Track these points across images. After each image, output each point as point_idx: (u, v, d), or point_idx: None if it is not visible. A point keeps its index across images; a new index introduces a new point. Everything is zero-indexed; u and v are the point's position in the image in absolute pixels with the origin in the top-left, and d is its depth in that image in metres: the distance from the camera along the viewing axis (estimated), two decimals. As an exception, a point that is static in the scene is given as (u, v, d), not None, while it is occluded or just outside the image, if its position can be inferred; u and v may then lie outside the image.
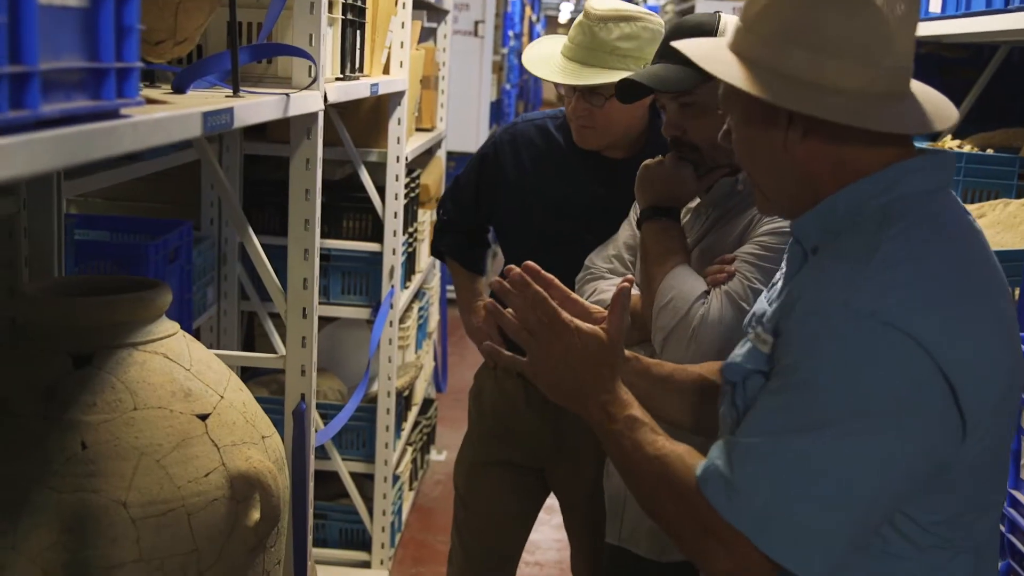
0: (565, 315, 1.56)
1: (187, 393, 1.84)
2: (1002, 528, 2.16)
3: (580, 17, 2.54)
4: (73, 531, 1.68)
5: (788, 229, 1.93)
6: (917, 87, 1.48)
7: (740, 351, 1.54)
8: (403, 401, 4.30)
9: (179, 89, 1.82)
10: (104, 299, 1.83)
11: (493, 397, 2.91)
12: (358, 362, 4.09)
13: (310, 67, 2.25)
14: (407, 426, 4.44)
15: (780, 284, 1.59)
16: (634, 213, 2.37)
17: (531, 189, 2.75)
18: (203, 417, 1.84)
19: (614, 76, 2.40)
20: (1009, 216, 2.69)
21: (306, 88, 2.22)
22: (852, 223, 1.43)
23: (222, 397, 1.90)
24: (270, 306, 3.80)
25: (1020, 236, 2.47)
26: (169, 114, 1.40)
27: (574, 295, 1.75)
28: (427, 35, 4.97)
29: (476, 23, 8.12)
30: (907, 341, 1.29)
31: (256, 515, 1.85)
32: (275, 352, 3.57)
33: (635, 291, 2.22)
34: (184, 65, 2.09)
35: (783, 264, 1.62)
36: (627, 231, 2.36)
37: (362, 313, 3.86)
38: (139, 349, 1.84)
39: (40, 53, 1.02)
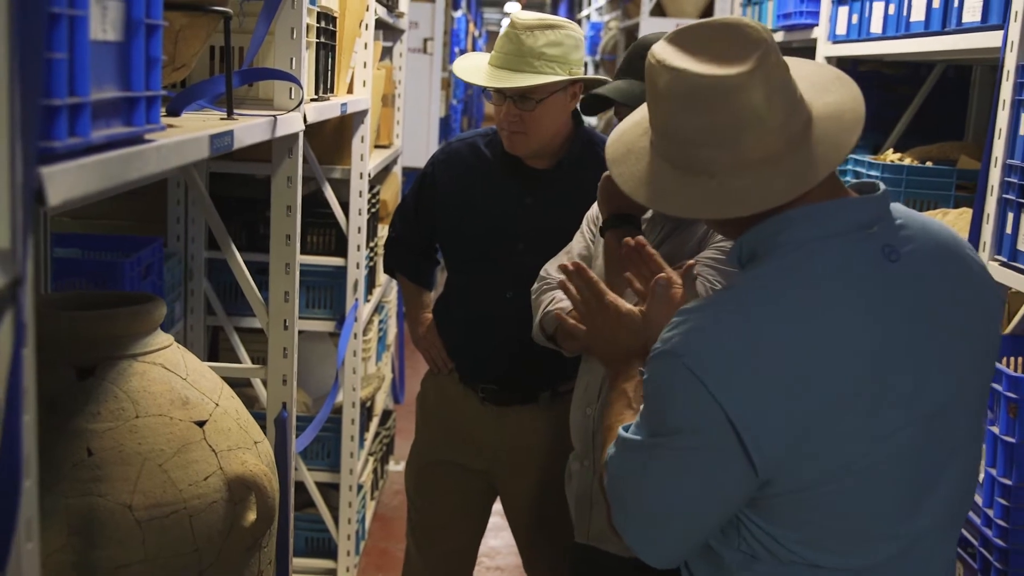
0: (610, 296, 1.82)
1: (185, 401, 1.93)
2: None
3: (506, 28, 2.66)
4: (81, 533, 1.77)
5: None
6: (828, 100, 1.55)
7: None
8: (366, 412, 4.40)
9: (174, 112, 1.92)
10: (105, 313, 1.92)
11: (438, 402, 3.02)
12: (322, 374, 4.17)
13: (291, 89, 2.36)
14: (369, 436, 4.53)
15: None
16: (588, 224, 2.47)
17: (465, 205, 2.86)
18: (201, 424, 1.93)
19: (543, 79, 2.58)
20: (949, 225, 2.85)
21: (292, 110, 2.32)
22: (752, 261, 1.56)
23: (217, 404, 1.99)
24: (236, 320, 3.89)
25: (959, 245, 2.63)
26: (183, 138, 1.50)
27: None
28: (385, 54, 5.08)
29: (425, 40, 8.23)
30: (695, 381, 1.42)
31: (252, 516, 1.95)
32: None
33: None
34: (176, 90, 2.18)
35: None
36: (581, 242, 2.46)
37: (326, 326, 3.95)
38: (139, 360, 1.93)
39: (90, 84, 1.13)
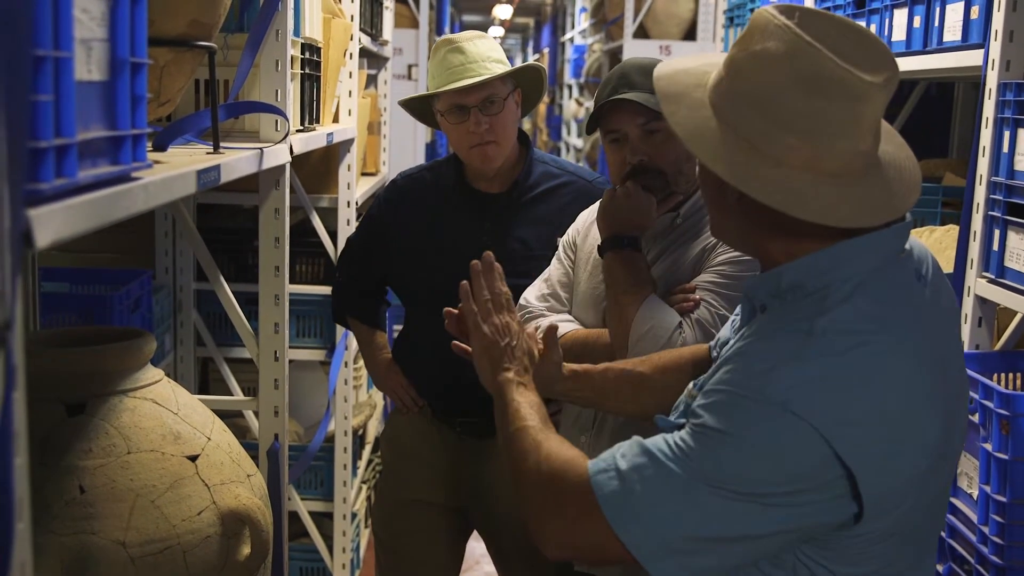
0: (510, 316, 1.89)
1: (177, 436, 1.93)
2: (942, 534, 2.31)
3: (446, 50, 2.68)
4: (75, 572, 1.76)
5: (745, 257, 2.07)
6: (891, 152, 1.52)
7: (675, 412, 1.65)
8: (358, 440, 4.39)
9: (160, 147, 1.92)
10: (94, 349, 1.92)
11: (410, 441, 2.93)
12: (313, 403, 4.17)
13: (277, 121, 2.37)
14: (362, 464, 4.52)
15: (733, 330, 1.72)
16: (564, 249, 2.45)
17: (424, 238, 2.82)
18: (193, 458, 1.93)
19: (504, 71, 2.66)
20: (935, 242, 2.86)
21: (278, 143, 2.33)
22: (794, 295, 1.49)
23: (209, 439, 1.99)
24: (226, 351, 3.88)
25: (947, 261, 2.64)
26: (170, 175, 1.50)
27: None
28: (369, 82, 5.09)
29: (410, 67, 8.26)
30: (808, 430, 1.35)
31: (246, 550, 1.94)
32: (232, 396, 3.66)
33: (574, 326, 2.33)
34: (162, 124, 2.18)
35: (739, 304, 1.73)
36: (559, 268, 2.43)
37: (316, 355, 3.94)
38: (129, 396, 1.93)
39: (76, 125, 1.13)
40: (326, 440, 3.95)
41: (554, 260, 2.47)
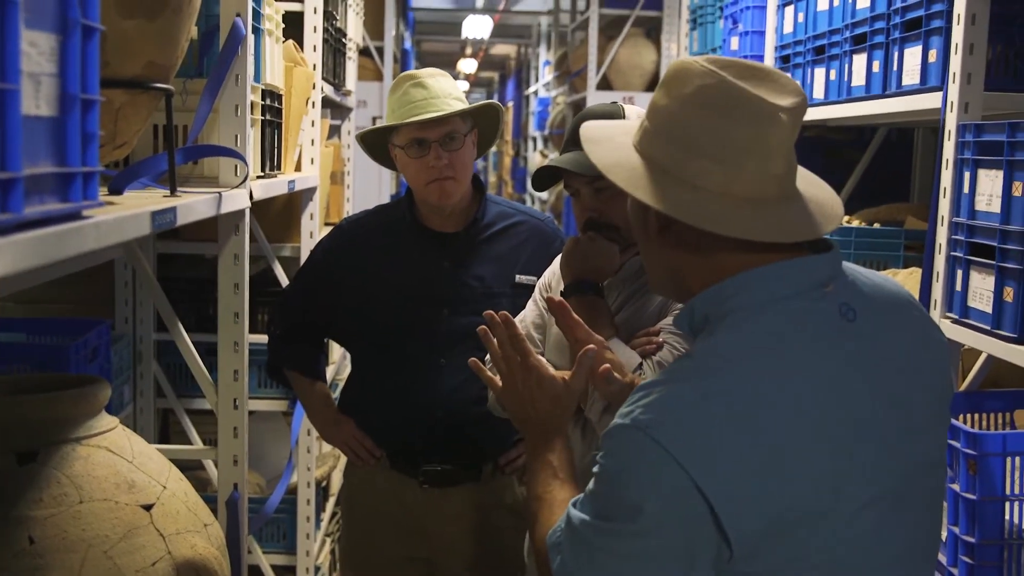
0: (535, 358, 1.79)
1: (131, 485, 1.88)
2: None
3: (408, 84, 2.68)
4: (23, 626, 1.70)
5: None
6: (811, 191, 1.54)
7: None
8: (322, 492, 4.32)
9: (116, 191, 1.89)
10: (47, 396, 1.87)
11: (369, 496, 2.86)
12: (276, 455, 4.11)
13: (236, 166, 2.34)
14: (325, 516, 4.45)
15: None
16: (540, 292, 2.45)
17: (375, 281, 2.78)
18: (148, 507, 1.88)
19: (468, 107, 2.66)
20: (898, 286, 2.87)
21: (237, 187, 2.30)
22: (705, 326, 1.51)
23: (164, 487, 1.94)
24: (187, 402, 3.82)
25: (910, 304, 2.64)
26: (123, 214, 1.47)
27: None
28: (332, 132, 5.08)
29: (374, 119, 8.27)
30: (668, 458, 1.34)
31: (203, 602, 1.88)
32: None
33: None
34: (118, 168, 2.15)
35: None
36: (534, 310, 2.42)
37: (279, 406, 3.89)
38: (82, 444, 1.88)
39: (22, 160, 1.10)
40: (289, 492, 3.88)
41: (530, 302, 2.47)
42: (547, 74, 13.07)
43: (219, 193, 2.11)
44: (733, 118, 1.45)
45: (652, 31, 8.52)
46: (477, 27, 14.15)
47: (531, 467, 1.74)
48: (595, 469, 1.46)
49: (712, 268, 1.50)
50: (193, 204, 1.90)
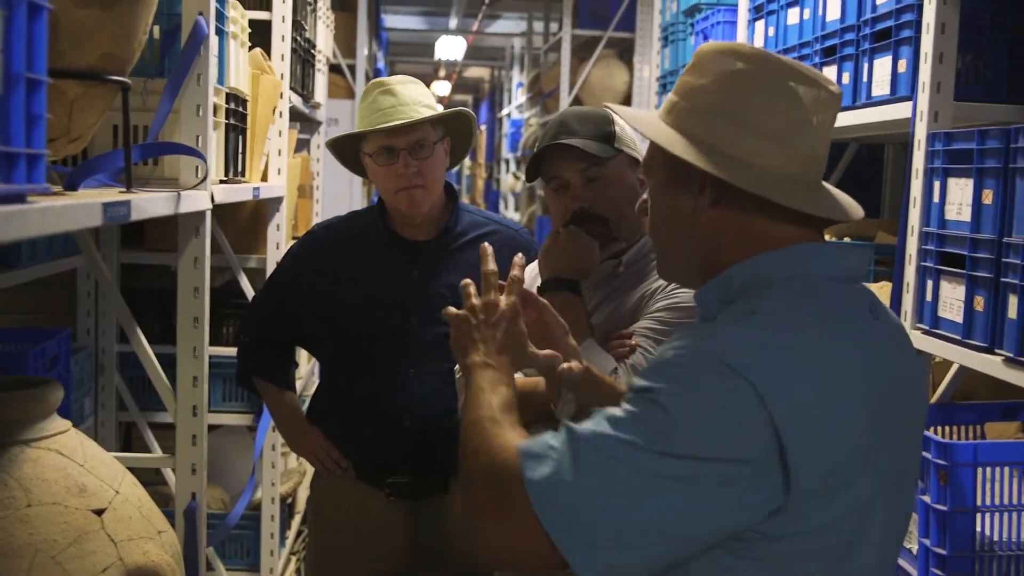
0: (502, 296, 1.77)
1: (82, 489, 1.83)
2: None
3: (377, 91, 2.64)
4: (-35, 633, 1.64)
5: (684, 304, 2.03)
6: (827, 185, 1.58)
7: None
8: (287, 509, 4.25)
9: (71, 187, 1.84)
10: (-6, 396, 1.82)
11: (335, 507, 2.81)
12: (241, 470, 4.04)
13: (197, 168, 2.29)
14: (291, 534, 4.38)
15: None
16: None
17: (345, 288, 2.74)
18: (99, 512, 1.82)
19: (436, 113, 2.63)
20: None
21: (196, 186, 2.25)
22: (744, 294, 1.47)
23: (117, 492, 1.89)
24: (149, 415, 3.75)
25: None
26: (73, 202, 1.43)
27: None
28: (301, 145, 5.04)
29: (346, 136, 8.24)
30: (744, 385, 1.30)
31: (155, 610, 1.83)
32: (154, 463, 3.53)
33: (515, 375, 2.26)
34: (73, 166, 2.10)
35: None
36: None
37: (244, 420, 3.83)
38: (32, 446, 1.82)
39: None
40: (252, 508, 3.82)
41: None
42: (520, 96, 13.10)
43: (177, 192, 2.06)
44: (789, 97, 1.47)
45: (624, 52, 8.53)
46: (450, 48, 14.15)
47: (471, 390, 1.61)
48: (645, 395, 1.35)
49: (755, 242, 1.49)
50: (149, 200, 1.85)
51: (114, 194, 1.84)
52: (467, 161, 18.73)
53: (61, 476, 1.81)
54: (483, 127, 17.65)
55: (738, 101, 1.49)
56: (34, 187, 1.28)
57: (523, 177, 11.83)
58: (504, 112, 15.35)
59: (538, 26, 12.15)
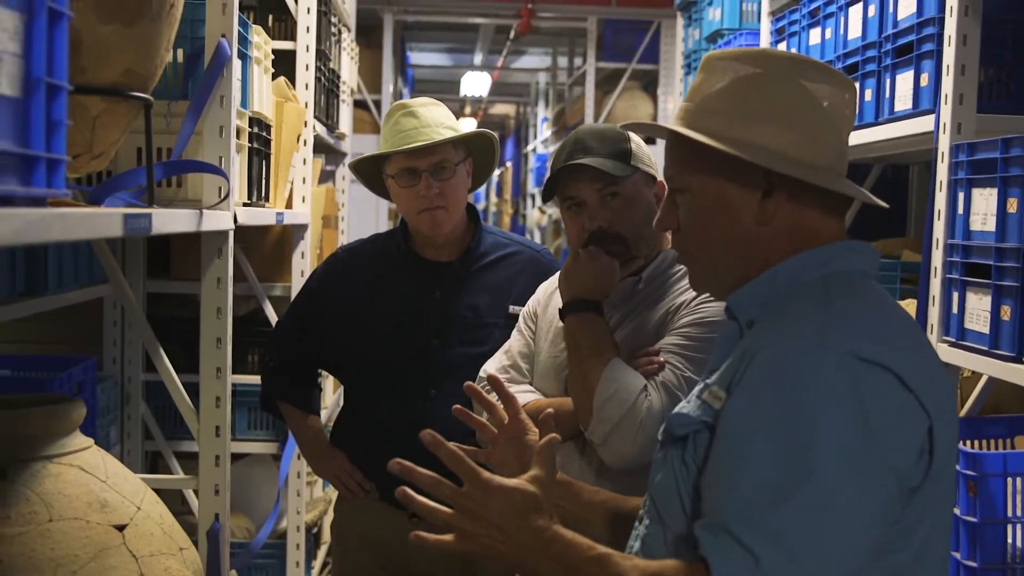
0: (485, 474, 1.47)
1: (103, 504, 1.82)
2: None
3: (400, 113, 2.65)
4: (-12, 648, 1.64)
5: (710, 319, 2.02)
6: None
7: (688, 407, 1.51)
8: (312, 538, 4.24)
9: (94, 203, 1.85)
10: (18, 412, 1.82)
11: (359, 530, 2.78)
12: (266, 499, 4.03)
13: (220, 188, 2.31)
14: (317, 564, 4.36)
15: (713, 368, 1.60)
16: (525, 320, 2.40)
17: (368, 309, 2.74)
18: (120, 528, 1.82)
19: (458, 134, 2.63)
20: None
21: (218, 204, 2.27)
22: (792, 294, 1.46)
23: (139, 508, 1.88)
24: (175, 444, 3.76)
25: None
26: (94, 211, 1.43)
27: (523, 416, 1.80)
28: (327, 177, 5.07)
29: (371, 171, 8.28)
30: (887, 375, 1.32)
31: (177, 626, 1.82)
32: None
33: (534, 396, 2.25)
34: (95, 186, 2.12)
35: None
36: (519, 340, 2.37)
37: (269, 448, 3.83)
38: (54, 462, 1.82)
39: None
40: (278, 537, 3.81)
41: (514, 332, 2.42)
42: (545, 130, 13.14)
43: (200, 210, 2.08)
44: (805, 93, 1.49)
45: (649, 84, 8.56)
46: (476, 84, 14.23)
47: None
48: (757, 430, 1.33)
49: (805, 240, 1.50)
50: (170, 215, 1.86)
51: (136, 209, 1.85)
52: (493, 197, 18.79)
53: (83, 491, 1.81)
54: (509, 163, 17.71)
55: (763, 101, 1.50)
56: (54, 192, 1.29)
57: (548, 210, 11.85)
58: (530, 147, 15.40)
59: (562, 61, 12.22)
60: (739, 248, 1.53)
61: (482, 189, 17.77)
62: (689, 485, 1.44)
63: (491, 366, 2.38)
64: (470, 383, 1.92)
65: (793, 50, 3.44)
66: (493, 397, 1.89)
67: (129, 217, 1.59)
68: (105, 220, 1.49)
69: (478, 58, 13.34)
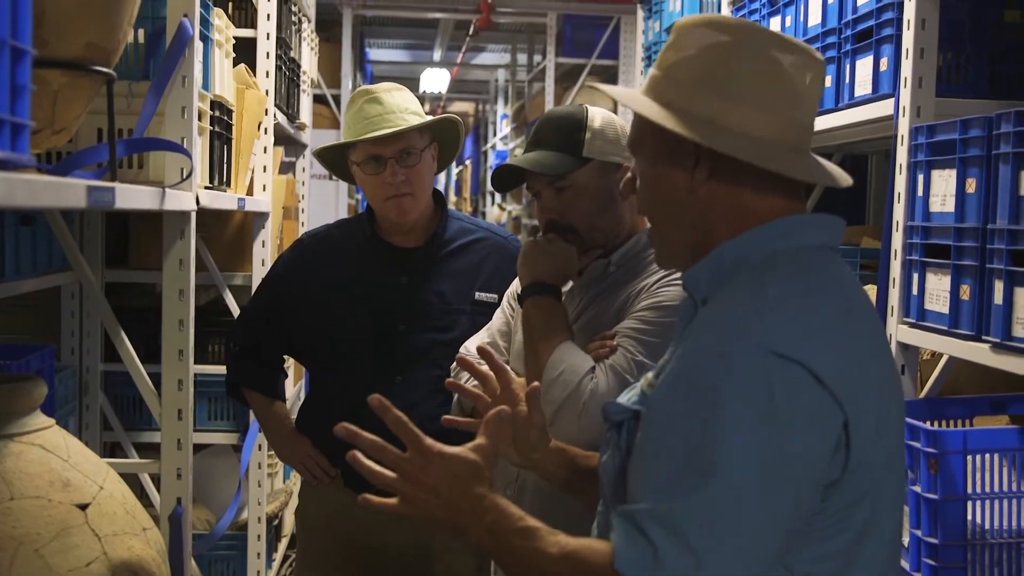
0: (427, 441, 1.49)
1: (65, 483, 1.81)
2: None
3: (363, 100, 2.63)
4: (-52, 627, 1.62)
5: (667, 303, 2.03)
6: (813, 155, 1.58)
7: (627, 395, 1.56)
8: (273, 530, 4.22)
9: (55, 180, 1.84)
10: (-22, 391, 1.80)
11: (323, 516, 2.78)
12: (227, 491, 4.00)
13: (182, 168, 2.29)
14: (278, 557, 4.34)
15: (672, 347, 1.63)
16: (508, 300, 2.41)
17: (333, 295, 2.73)
18: (83, 507, 1.80)
19: (424, 121, 2.61)
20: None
21: (180, 184, 2.25)
22: (739, 270, 1.46)
23: (101, 488, 1.87)
24: (135, 435, 3.73)
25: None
26: (58, 180, 1.42)
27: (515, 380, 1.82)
28: (287, 168, 5.04)
29: (331, 166, 8.24)
30: (800, 371, 1.31)
31: (140, 606, 1.80)
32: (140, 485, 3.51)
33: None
34: (56, 163, 2.09)
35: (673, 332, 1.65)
36: (500, 318, 2.39)
37: (229, 439, 3.80)
38: (15, 440, 1.81)
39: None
40: (239, 528, 3.79)
41: (497, 311, 2.44)
42: (505, 127, 13.14)
43: (163, 188, 2.06)
44: (773, 65, 1.47)
45: (609, 80, 8.59)
46: (435, 81, 14.20)
47: (502, 554, 1.45)
48: (673, 422, 1.34)
49: (745, 217, 1.49)
50: (134, 191, 1.85)
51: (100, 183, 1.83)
52: (452, 195, 18.76)
53: (44, 470, 1.79)
54: (468, 161, 17.69)
55: (724, 73, 1.48)
56: (19, 157, 1.27)
57: (508, 207, 11.85)
58: (489, 145, 15.40)
59: (522, 57, 12.23)
60: (682, 222, 1.54)
61: (441, 186, 17.75)
62: (621, 468, 1.48)
63: (472, 343, 2.39)
64: (451, 380, 1.93)
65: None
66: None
67: (93, 189, 1.57)
68: (69, 190, 1.47)
69: (437, 54, 13.32)
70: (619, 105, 7.52)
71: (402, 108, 2.63)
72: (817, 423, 1.31)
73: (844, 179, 1.56)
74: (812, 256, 1.46)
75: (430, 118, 2.67)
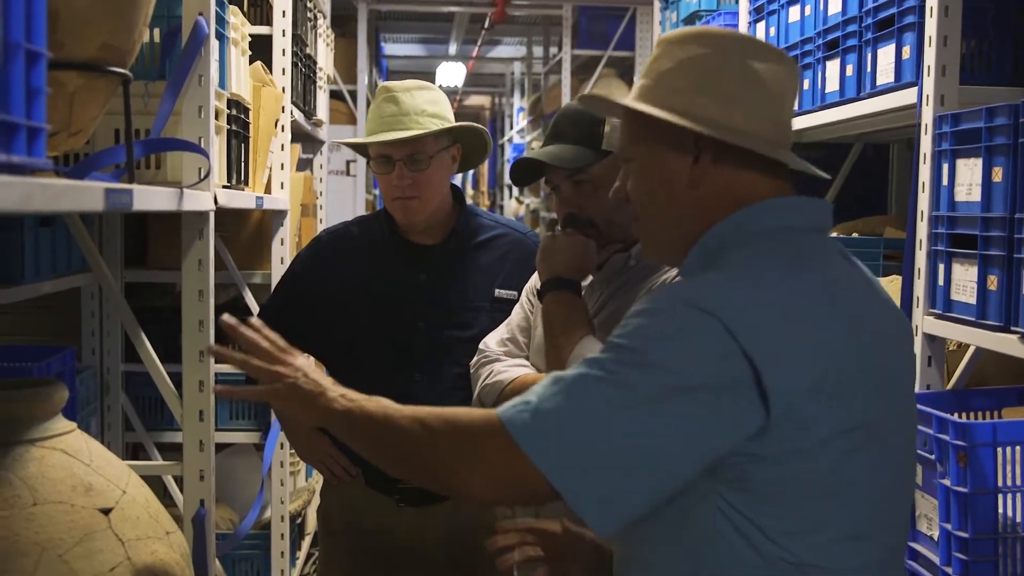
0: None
1: (88, 488, 1.80)
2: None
3: (382, 98, 2.60)
4: (-28, 633, 1.61)
5: None
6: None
7: None
8: (296, 528, 4.21)
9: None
10: (-1, 395, 1.79)
11: (344, 515, 2.78)
12: (250, 490, 4.00)
13: (200, 169, 2.28)
14: (301, 555, 4.33)
15: None
16: (527, 295, 2.40)
17: (352, 293, 2.71)
18: (106, 511, 1.79)
19: (436, 127, 2.57)
20: (879, 292, 2.83)
21: (198, 184, 2.24)
22: (721, 251, 1.53)
23: (124, 492, 1.86)
24: (156, 436, 3.73)
25: (892, 306, 2.60)
26: (76, 183, 1.41)
27: None
28: (304, 165, 5.03)
29: (348, 162, 8.24)
30: (715, 322, 1.37)
31: (165, 609, 1.80)
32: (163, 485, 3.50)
33: (526, 371, 2.25)
34: (73, 166, 2.08)
35: None
36: (520, 314, 2.38)
37: (251, 438, 3.80)
38: (37, 445, 1.80)
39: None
40: (262, 527, 3.78)
41: (517, 307, 2.43)
42: (521, 120, 13.11)
43: (181, 188, 2.05)
44: (750, 73, 1.56)
45: (625, 72, 8.55)
46: (450, 74, 14.17)
47: (345, 416, 1.62)
48: (621, 339, 1.44)
49: (738, 202, 1.55)
50: (152, 192, 1.83)
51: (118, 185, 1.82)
52: (469, 189, 18.75)
53: (67, 475, 1.79)
54: (484, 155, 17.66)
55: (708, 81, 1.56)
56: (35, 161, 1.26)
57: (525, 200, 11.82)
58: (506, 138, 15.37)
59: (537, 50, 12.20)
60: (678, 211, 1.60)
61: (458, 180, 17.74)
62: None
63: (492, 339, 2.39)
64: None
65: (772, 29, 3.44)
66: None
67: (111, 192, 1.56)
68: (87, 193, 1.46)
69: (453, 48, 13.29)
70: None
71: (418, 110, 2.59)
72: (724, 369, 1.37)
73: (822, 174, 1.66)
74: (793, 237, 1.52)
75: (442, 125, 2.61)
